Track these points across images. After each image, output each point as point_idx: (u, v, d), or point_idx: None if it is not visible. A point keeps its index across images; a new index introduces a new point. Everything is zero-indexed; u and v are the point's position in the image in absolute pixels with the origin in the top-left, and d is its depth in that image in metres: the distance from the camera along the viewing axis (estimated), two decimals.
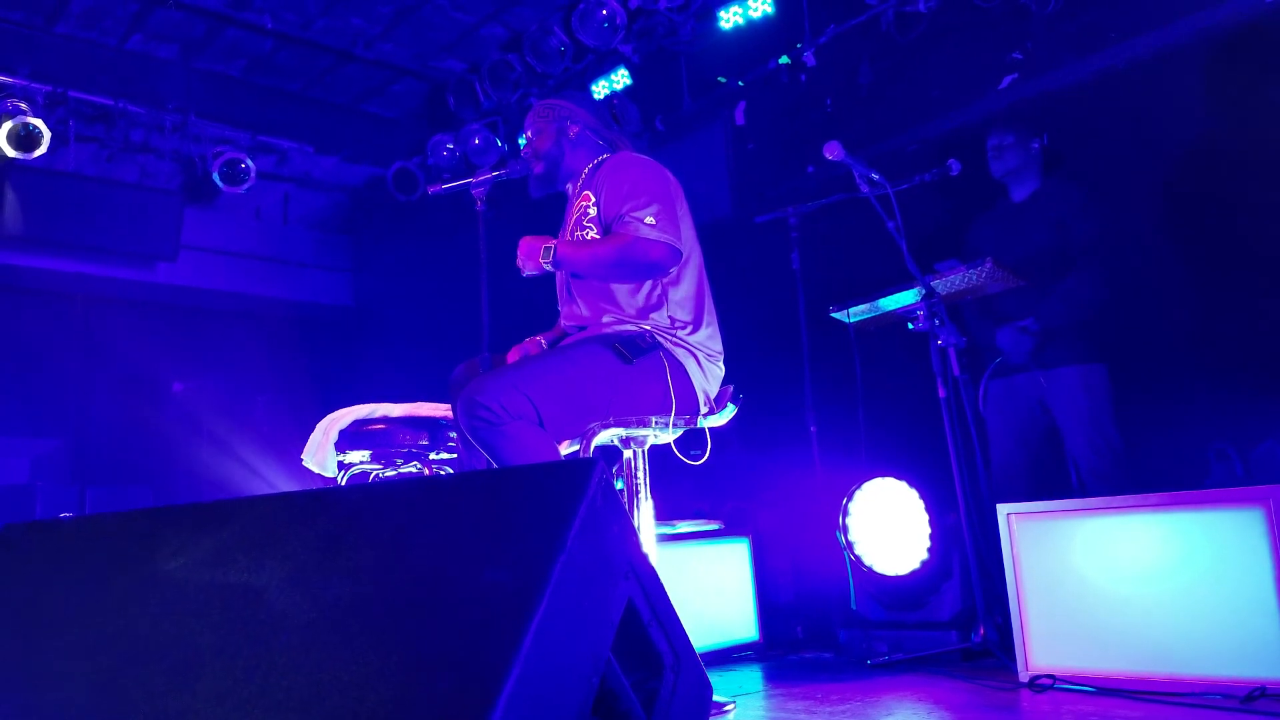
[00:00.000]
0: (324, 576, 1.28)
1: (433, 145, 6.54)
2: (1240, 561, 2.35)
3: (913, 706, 2.50)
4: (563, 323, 2.83)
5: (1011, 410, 3.65)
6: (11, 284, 6.61)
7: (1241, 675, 2.30)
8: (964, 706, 2.45)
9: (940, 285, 3.24)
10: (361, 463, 3.32)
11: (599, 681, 1.21)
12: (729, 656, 3.61)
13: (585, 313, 2.71)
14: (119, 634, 1.34)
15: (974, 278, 3.23)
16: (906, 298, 3.26)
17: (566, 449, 2.52)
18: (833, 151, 3.22)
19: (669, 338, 2.61)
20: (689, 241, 2.70)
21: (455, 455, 3.36)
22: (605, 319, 2.65)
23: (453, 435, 3.29)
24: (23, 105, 5.69)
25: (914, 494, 3.35)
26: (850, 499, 3.45)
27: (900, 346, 3.64)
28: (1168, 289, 3.68)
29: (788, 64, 4.91)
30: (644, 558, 1.37)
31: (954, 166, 3.45)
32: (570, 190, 2.85)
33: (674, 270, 2.62)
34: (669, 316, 2.63)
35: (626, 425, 2.51)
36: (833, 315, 3.52)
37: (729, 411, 2.73)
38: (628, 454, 2.66)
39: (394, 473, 3.39)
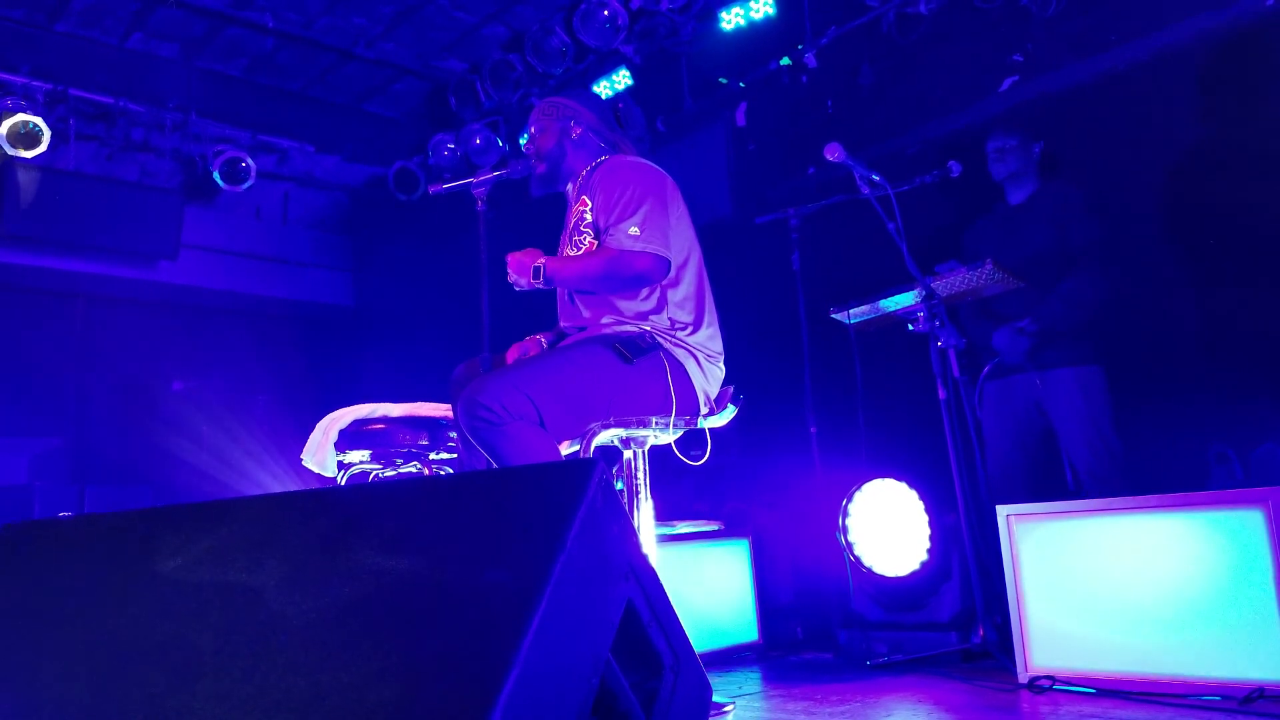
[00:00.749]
0: (323, 576, 1.28)
1: (434, 145, 6.54)
2: (1240, 563, 2.35)
3: (912, 707, 2.50)
4: (562, 324, 2.83)
5: (1008, 412, 3.66)
6: (11, 283, 6.61)
7: (1240, 677, 2.31)
8: (963, 707, 2.45)
9: (940, 287, 3.24)
10: (361, 463, 3.32)
11: (599, 682, 1.21)
12: (729, 657, 3.61)
13: (585, 314, 2.72)
14: (118, 634, 1.34)
15: (974, 279, 3.23)
16: (907, 299, 3.26)
17: (567, 449, 2.52)
18: (833, 153, 3.22)
19: (669, 338, 2.61)
20: (686, 244, 2.70)
21: (455, 455, 3.36)
22: (605, 320, 2.65)
23: (453, 435, 3.29)
24: (23, 103, 5.69)
25: (914, 495, 3.35)
26: (850, 500, 3.45)
27: (900, 348, 3.64)
28: (1169, 291, 3.68)
29: (789, 65, 4.91)
30: (644, 558, 1.37)
31: (954, 168, 3.46)
32: (570, 191, 2.85)
33: (664, 279, 2.62)
34: (669, 317, 2.64)
35: (627, 425, 2.51)
36: (833, 316, 3.52)
37: (729, 412, 2.73)
38: (628, 454, 2.66)
39: (394, 473, 3.39)
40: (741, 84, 5.17)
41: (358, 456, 3.31)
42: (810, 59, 4.80)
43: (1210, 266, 3.59)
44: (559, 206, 2.92)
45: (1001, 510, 2.77)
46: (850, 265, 4.19)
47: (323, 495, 1.48)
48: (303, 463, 3.42)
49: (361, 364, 7.41)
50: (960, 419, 3.20)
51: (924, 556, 3.29)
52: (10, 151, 5.69)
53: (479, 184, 2.68)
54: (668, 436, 2.63)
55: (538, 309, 2.95)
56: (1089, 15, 3.95)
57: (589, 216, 2.68)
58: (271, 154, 6.89)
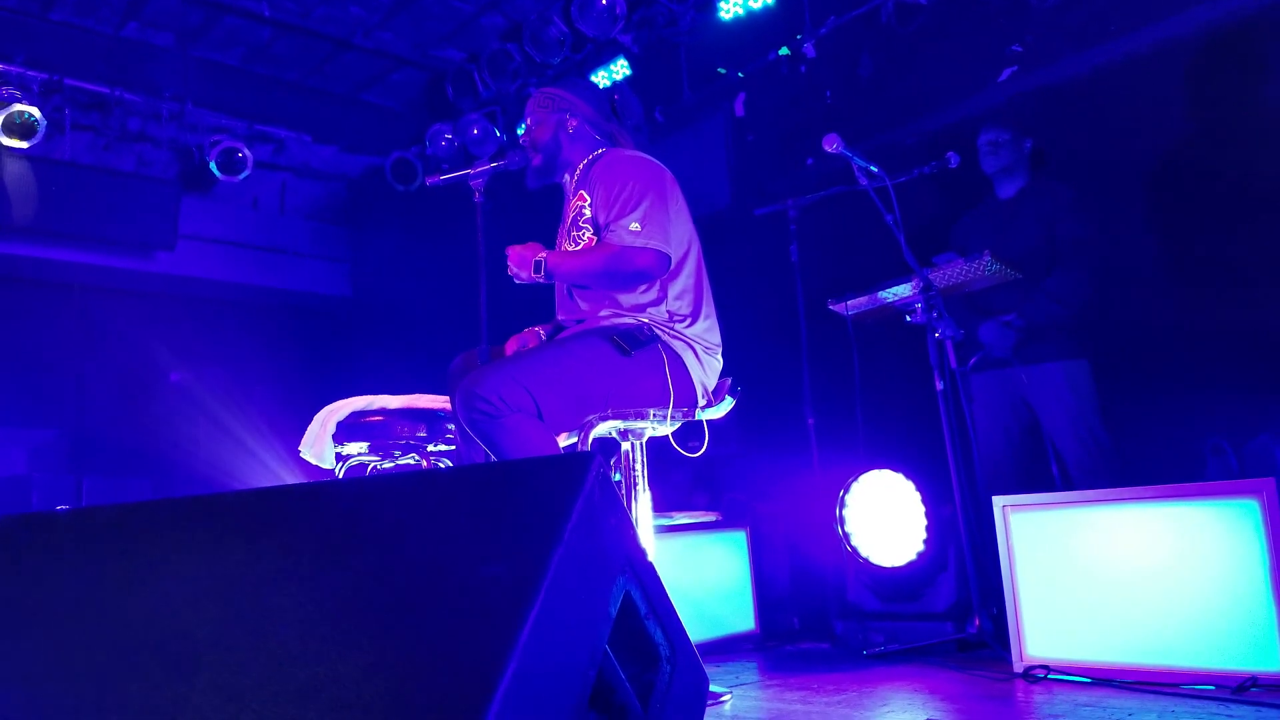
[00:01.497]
0: (321, 569, 1.28)
1: (431, 135, 6.53)
2: (1234, 554, 2.37)
3: (908, 697, 2.52)
4: (560, 316, 2.83)
5: (994, 405, 3.67)
6: (8, 273, 6.60)
7: (1234, 666, 2.32)
8: (959, 697, 2.46)
9: (938, 278, 3.25)
10: (359, 454, 3.32)
11: (596, 674, 1.22)
12: (726, 647, 3.62)
13: (584, 306, 2.72)
14: (115, 626, 1.35)
15: (972, 271, 3.24)
16: (904, 290, 3.27)
17: (565, 441, 2.53)
18: (831, 144, 3.22)
19: (667, 330, 2.61)
20: (684, 236, 2.70)
21: (453, 447, 3.36)
22: (603, 312, 2.65)
23: (451, 427, 3.29)
24: (18, 93, 5.67)
25: (910, 486, 3.36)
26: (847, 491, 3.46)
27: (898, 339, 3.65)
28: (1168, 283, 3.69)
29: (788, 55, 4.90)
30: (641, 551, 1.38)
31: (953, 159, 3.46)
32: (567, 183, 2.85)
33: (665, 274, 2.62)
34: (667, 310, 2.64)
35: (625, 418, 2.52)
36: (831, 308, 3.53)
37: (727, 404, 2.73)
38: (626, 446, 2.67)
39: (392, 465, 3.39)
40: (740, 74, 5.16)
41: (355, 448, 3.31)
42: (809, 49, 4.79)
43: (1209, 259, 3.59)
44: (557, 198, 2.91)
45: (997, 501, 2.78)
46: (848, 257, 4.19)
47: (320, 489, 1.49)
48: (300, 454, 3.42)
49: (359, 355, 7.41)
50: (957, 410, 3.21)
51: (920, 547, 3.30)
52: (6, 142, 5.67)
53: (476, 175, 2.68)
54: (666, 428, 2.64)
55: (536, 301, 2.95)
56: (1088, 6, 3.95)
57: (588, 211, 2.68)
58: (268, 144, 6.87)
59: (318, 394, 4.01)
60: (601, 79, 5.65)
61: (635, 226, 2.53)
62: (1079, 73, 3.96)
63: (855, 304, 3.44)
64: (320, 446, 3.31)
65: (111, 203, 6.43)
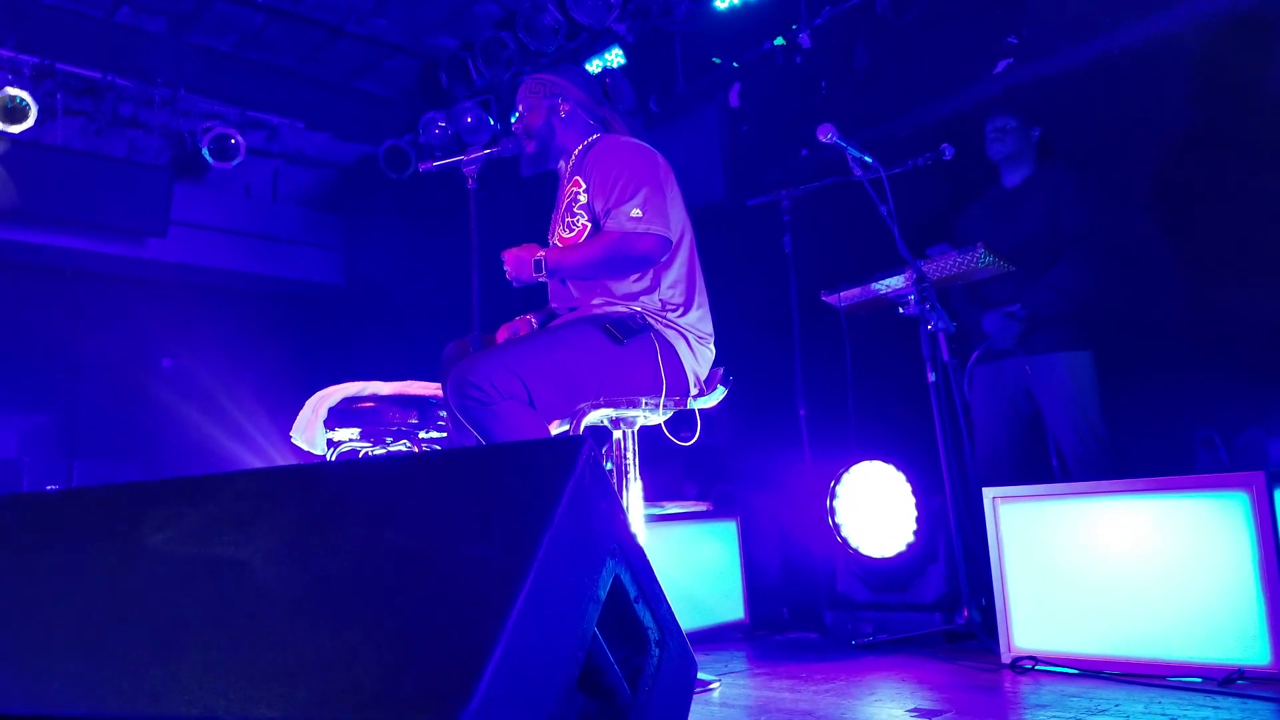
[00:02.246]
0: (310, 551, 1.28)
1: (425, 123, 6.50)
2: (1222, 547, 2.38)
3: (896, 686, 2.52)
4: (553, 304, 2.83)
5: (997, 396, 3.67)
6: None
7: (1221, 659, 2.33)
8: (947, 687, 2.47)
9: (931, 270, 3.25)
10: (350, 440, 3.31)
11: (584, 657, 1.22)
12: (716, 636, 3.63)
13: (576, 294, 2.72)
14: (103, 606, 1.34)
15: (965, 263, 3.24)
16: (897, 282, 3.27)
17: (556, 429, 2.53)
18: (826, 133, 3.22)
19: (660, 319, 2.61)
20: (679, 224, 2.70)
21: (445, 434, 3.36)
22: (596, 300, 2.65)
23: (442, 414, 3.29)
24: (10, 77, 5.64)
25: (901, 477, 3.36)
26: (838, 482, 3.47)
27: (890, 331, 3.65)
28: (1158, 277, 3.69)
29: (783, 45, 4.89)
30: (631, 535, 1.38)
31: (947, 151, 3.45)
32: (562, 169, 2.84)
33: (666, 258, 2.63)
34: (660, 299, 2.64)
35: (616, 406, 2.52)
36: (823, 299, 3.53)
37: (719, 393, 2.73)
38: (617, 435, 2.67)
39: (383, 451, 3.39)
40: (735, 64, 5.15)
41: (347, 434, 3.30)
42: (804, 39, 4.78)
43: (1200, 253, 3.60)
44: (550, 185, 2.91)
45: (987, 492, 2.78)
46: (842, 248, 4.19)
47: (311, 471, 1.48)
48: (292, 440, 3.42)
49: (351, 342, 7.40)
50: (949, 402, 3.22)
51: (910, 538, 3.31)
52: None
53: (469, 162, 2.67)
54: (657, 417, 2.64)
55: (528, 289, 2.95)
56: None
57: (583, 197, 2.67)
58: (261, 130, 6.84)
59: (310, 381, 4.00)
60: (596, 68, 5.64)
61: (636, 213, 2.53)
62: (1075, 64, 3.96)
63: (848, 295, 3.44)
64: (312, 432, 3.30)
65: (103, 188, 6.40)
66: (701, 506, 3.89)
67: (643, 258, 2.56)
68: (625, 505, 2.57)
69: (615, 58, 5.59)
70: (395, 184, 6.85)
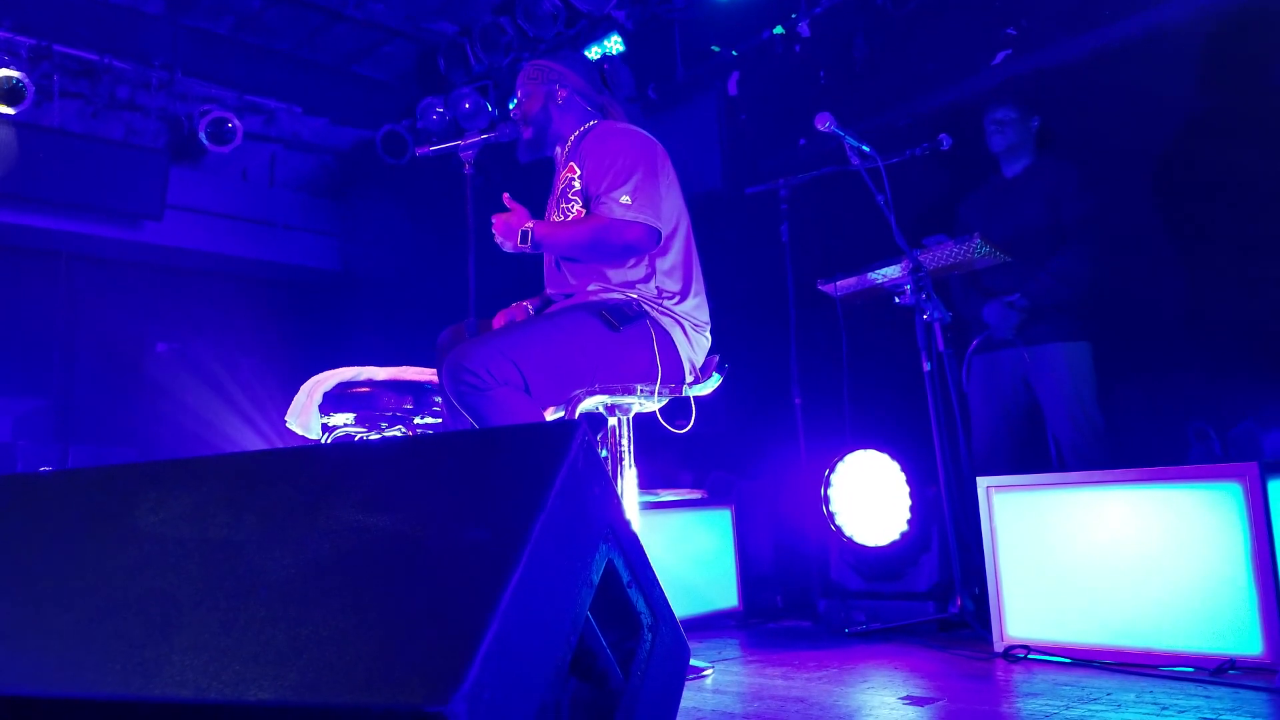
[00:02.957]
0: (304, 533, 1.28)
1: (422, 108, 6.49)
2: (1215, 538, 2.38)
3: (888, 674, 2.53)
4: (549, 290, 2.83)
5: (994, 386, 3.68)
6: None
7: (1213, 649, 2.34)
8: (939, 675, 2.48)
9: (928, 260, 3.25)
10: (345, 425, 3.32)
11: (577, 640, 1.22)
12: (709, 623, 3.64)
13: (573, 281, 2.71)
14: (97, 586, 1.34)
15: (961, 253, 3.24)
16: (894, 271, 3.27)
17: (552, 415, 2.52)
18: (824, 122, 3.21)
19: (656, 307, 2.61)
20: (674, 213, 2.69)
21: (440, 420, 3.36)
22: (592, 287, 2.64)
23: (437, 399, 3.29)
24: (6, 58, 5.61)
25: (895, 466, 3.37)
26: (832, 470, 3.47)
27: (886, 320, 3.65)
28: (1154, 269, 3.69)
29: (782, 35, 4.88)
30: (625, 520, 1.38)
31: (945, 141, 3.45)
32: (558, 155, 2.83)
33: (654, 249, 2.61)
34: (656, 286, 2.63)
35: (612, 393, 2.52)
36: (820, 288, 3.53)
37: (714, 381, 2.73)
38: (612, 422, 2.67)
39: (378, 436, 3.39)
40: (734, 53, 5.14)
41: (342, 419, 3.31)
42: (804, 28, 4.77)
43: (1197, 245, 3.60)
44: (547, 171, 2.90)
45: (981, 482, 2.79)
46: (839, 237, 4.19)
47: (304, 453, 1.48)
48: (287, 424, 3.42)
49: (347, 327, 7.39)
50: (944, 392, 3.22)
51: (904, 527, 3.32)
52: None
53: (466, 147, 2.66)
54: (652, 404, 2.64)
55: (524, 275, 2.95)
56: None
57: (577, 183, 2.67)
58: (258, 115, 6.82)
59: (305, 366, 4.00)
60: (595, 55, 5.62)
61: (626, 199, 2.52)
62: (1074, 56, 3.95)
63: (844, 284, 3.44)
64: (306, 417, 3.31)
65: (99, 171, 6.38)
66: (696, 494, 3.90)
67: (627, 246, 2.55)
68: (620, 492, 2.57)
69: (614, 45, 5.57)
70: (392, 169, 6.84)
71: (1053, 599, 2.63)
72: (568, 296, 2.71)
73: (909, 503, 3.32)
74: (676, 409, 2.71)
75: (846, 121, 3.30)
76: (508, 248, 2.64)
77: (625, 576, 1.36)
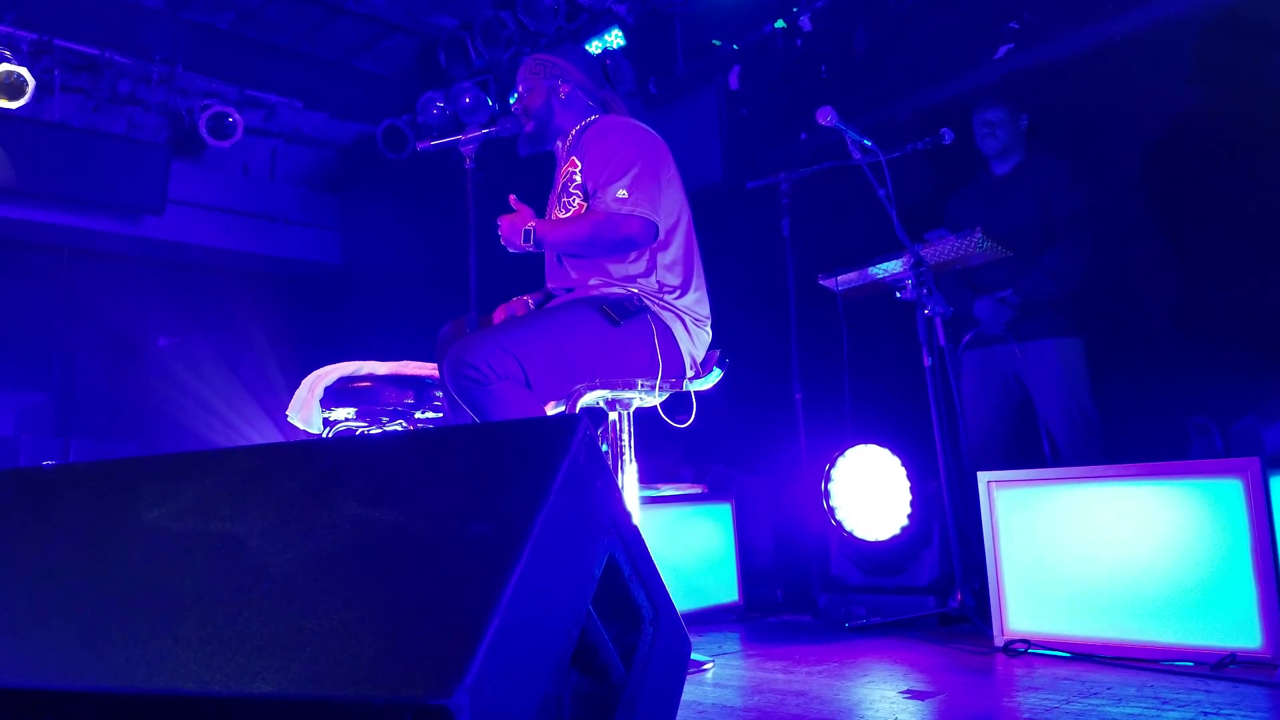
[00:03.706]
0: (307, 526, 1.28)
1: (423, 103, 6.47)
2: (1217, 532, 2.38)
3: (888, 669, 2.54)
4: (550, 284, 2.83)
5: (987, 382, 3.68)
6: None
7: (1214, 643, 2.34)
8: (939, 669, 2.49)
9: (929, 254, 3.25)
10: (346, 420, 3.32)
11: (579, 634, 1.22)
12: (709, 618, 3.64)
13: (573, 275, 2.71)
14: (99, 580, 1.35)
15: (963, 247, 3.24)
16: (895, 266, 3.27)
17: (552, 410, 2.53)
18: (825, 116, 3.21)
19: (657, 301, 2.61)
20: (675, 207, 2.69)
21: (441, 414, 3.36)
22: (593, 281, 2.65)
23: (438, 394, 3.29)
24: (7, 53, 5.61)
25: (896, 461, 3.37)
26: (833, 465, 3.48)
27: (887, 315, 3.65)
28: (1156, 264, 3.69)
29: (783, 29, 4.87)
30: (626, 514, 1.38)
31: (947, 135, 3.45)
32: (559, 149, 2.83)
33: (652, 243, 2.61)
34: (657, 280, 2.63)
35: (612, 387, 2.52)
36: (821, 283, 3.53)
37: (715, 375, 2.74)
38: (613, 416, 2.67)
39: (379, 430, 3.39)
40: (735, 47, 5.13)
41: (343, 414, 3.31)
42: (805, 22, 4.76)
43: (1198, 240, 3.60)
44: (548, 166, 2.90)
45: (982, 477, 2.79)
46: (840, 232, 4.18)
47: (307, 447, 1.48)
48: (288, 419, 3.42)
49: (348, 322, 7.40)
50: (944, 387, 3.22)
51: (904, 522, 3.32)
52: None
53: (467, 141, 2.66)
54: (653, 399, 2.64)
55: (525, 269, 2.95)
56: None
57: (578, 178, 2.67)
58: (259, 109, 6.81)
59: (306, 360, 4.00)
60: (595, 49, 5.61)
61: (622, 193, 2.52)
62: (1076, 50, 3.94)
63: (845, 279, 3.44)
64: (308, 411, 3.31)
65: (100, 166, 6.38)
66: (696, 489, 3.90)
67: (626, 240, 2.55)
68: (620, 486, 2.58)
69: (615, 39, 5.56)
70: (393, 164, 6.83)
71: (1053, 594, 2.63)
72: (569, 291, 2.71)
73: (909, 497, 3.32)
74: (677, 404, 2.71)
75: (848, 115, 3.30)
76: (514, 249, 2.65)
77: (627, 570, 1.37)
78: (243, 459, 1.47)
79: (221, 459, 1.49)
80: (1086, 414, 3.47)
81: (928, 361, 3.20)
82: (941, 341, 3.19)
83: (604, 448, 2.68)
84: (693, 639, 1.61)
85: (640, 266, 2.63)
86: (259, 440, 6.84)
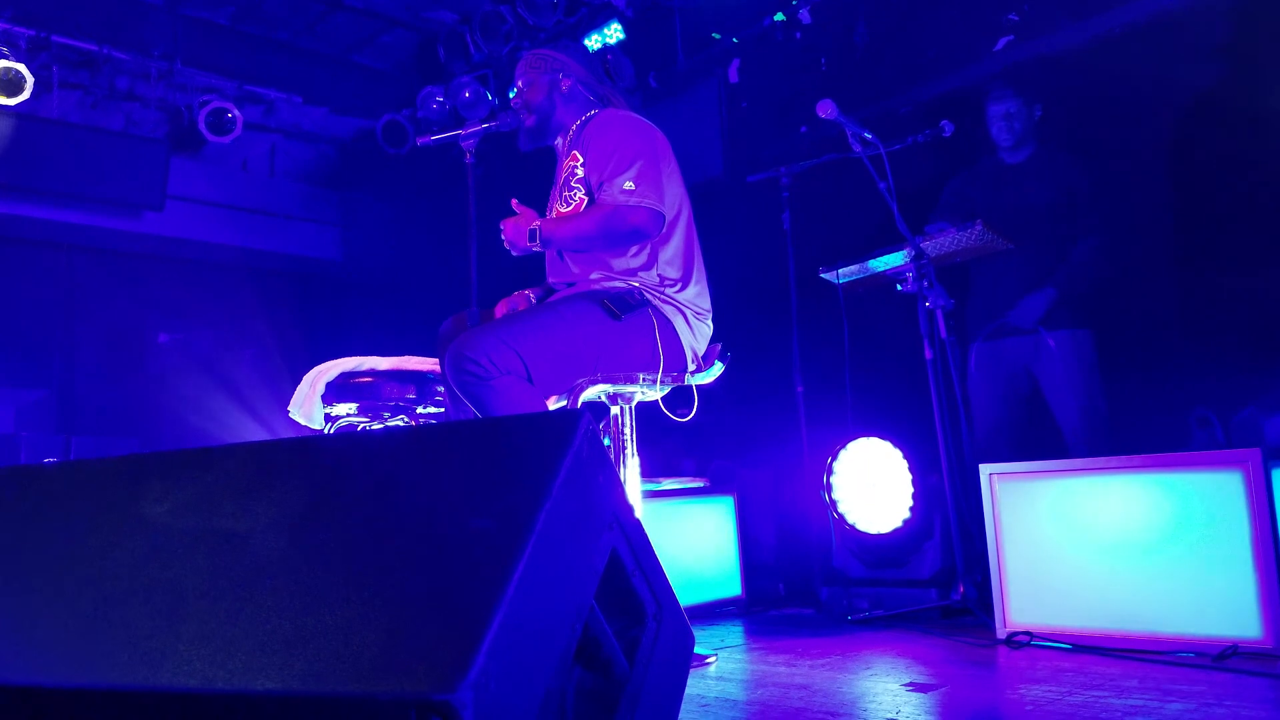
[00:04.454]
0: (310, 522, 1.28)
1: (422, 98, 6.46)
2: (1218, 523, 2.39)
3: (891, 661, 2.54)
4: (551, 279, 2.83)
5: (997, 374, 3.69)
6: None
7: (1216, 634, 2.35)
8: (941, 661, 2.49)
9: (930, 247, 3.25)
10: (348, 415, 3.32)
11: (582, 629, 1.22)
12: (712, 612, 3.65)
13: (574, 270, 2.71)
14: (102, 577, 1.35)
15: (964, 239, 3.23)
16: (896, 259, 3.26)
17: (554, 404, 2.53)
18: (826, 110, 3.20)
19: (658, 295, 2.61)
20: (676, 200, 2.69)
21: (442, 409, 3.36)
22: (594, 275, 2.65)
23: (440, 389, 3.29)
24: (5, 50, 5.60)
25: (898, 454, 3.37)
26: (835, 458, 3.47)
27: (888, 308, 3.65)
28: (1157, 256, 3.69)
29: (783, 21, 4.86)
30: (629, 508, 1.38)
31: (947, 128, 3.44)
32: (559, 145, 2.83)
33: (659, 234, 2.61)
34: (658, 274, 2.63)
35: (614, 382, 2.52)
36: (822, 276, 3.52)
37: (716, 369, 2.73)
38: (615, 410, 2.67)
39: (381, 426, 3.39)
40: (735, 40, 5.11)
41: (345, 409, 3.31)
42: (805, 15, 4.75)
43: (1199, 232, 3.59)
44: (548, 160, 2.90)
45: (984, 469, 2.79)
46: (840, 225, 4.18)
47: (309, 443, 1.48)
48: (290, 415, 3.42)
49: (349, 318, 7.39)
50: (946, 379, 3.22)
51: (906, 515, 3.32)
52: None
53: (467, 136, 2.66)
54: (655, 393, 2.64)
55: (526, 264, 2.94)
56: None
57: (580, 172, 2.67)
58: (258, 105, 6.80)
59: (307, 356, 4.00)
60: (595, 43, 5.60)
61: (629, 185, 2.52)
62: (1076, 42, 3.93)
63: (846, 272, 3.43)
64: (309, 407, 3.31)
65: (99, 162, 6.36)
66: (698, 483, 3.90)
67: (634, 231, 2.55)
68: (623, 480, 2.58)
69: (614, 33, 5.55)
70: (393, 159, 6.82)
71: (1055, 586, 2.63)
72: (570, 285, 2.71)
73: (911, 490, 3.32)
74: (679, 397, 2.71)
75: (848, 108, 3.29)
76: (517, 251, 2.65)
77: (630, 564, 1.37)
78: (244, 455, 1.47)
79: (223, 455, 1.49)
80: (1096, 405, 3.49)
81: (929, 354, 3.20)
82: (943, 334, 3.19)
83: (606, 442, 2.68)
84: (696, 632, 1.61)
85: (641, 260, 2.63)
86: (260, 436, 6.84)
